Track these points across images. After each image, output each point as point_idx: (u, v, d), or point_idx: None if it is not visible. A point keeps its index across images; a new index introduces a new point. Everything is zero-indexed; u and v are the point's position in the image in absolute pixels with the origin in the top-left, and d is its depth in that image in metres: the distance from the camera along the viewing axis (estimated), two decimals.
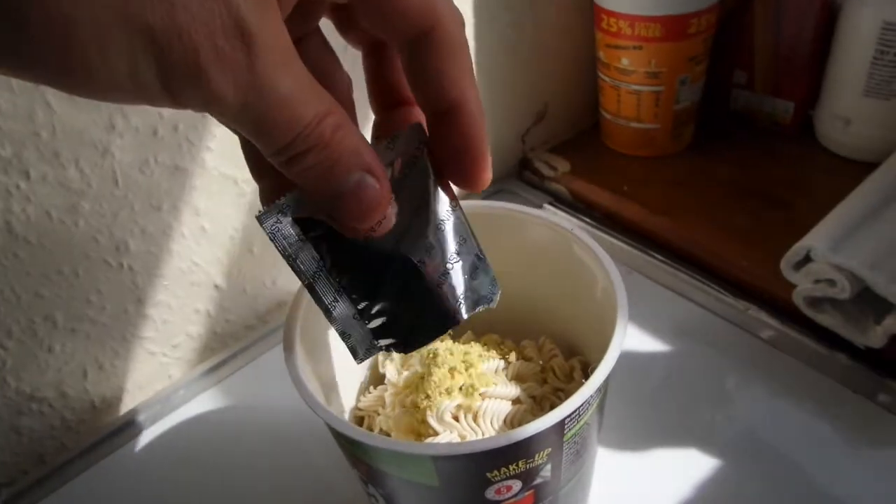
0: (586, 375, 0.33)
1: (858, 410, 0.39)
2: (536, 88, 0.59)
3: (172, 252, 0.43)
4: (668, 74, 0.53)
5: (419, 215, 0.22)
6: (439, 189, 0.22)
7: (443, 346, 0.30)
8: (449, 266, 0.23)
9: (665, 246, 0.51)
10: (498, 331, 0.35)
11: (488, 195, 0.57)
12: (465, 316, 0.23)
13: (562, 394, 0.32)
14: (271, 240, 0.21)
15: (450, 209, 0.23)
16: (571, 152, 0.59)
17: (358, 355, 0.23)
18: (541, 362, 0.33)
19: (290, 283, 0.50)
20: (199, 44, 0.15)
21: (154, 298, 0.43)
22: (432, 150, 0.22)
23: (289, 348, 0.27)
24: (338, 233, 0.21)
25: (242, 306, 0.48)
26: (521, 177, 0.60)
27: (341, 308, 0.22)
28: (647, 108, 0.55)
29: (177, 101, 0.16)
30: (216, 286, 0.46)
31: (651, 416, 0.40)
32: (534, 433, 0.23)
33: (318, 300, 0.22)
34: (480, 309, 0.23)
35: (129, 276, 0.41)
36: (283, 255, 0.21)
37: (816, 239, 0.40)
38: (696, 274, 0.48)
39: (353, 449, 0.26)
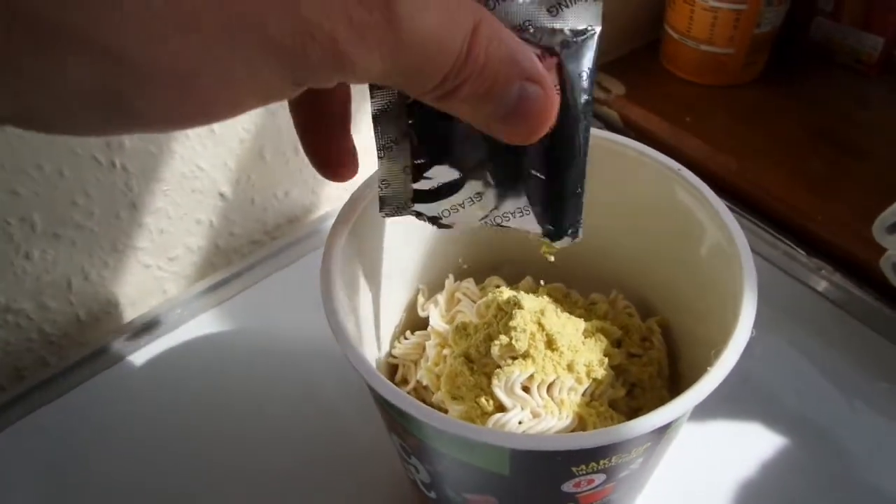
0: (666, 338, 0.28)
1: None
2: None
3: (174, 153, 0.36)
4: None
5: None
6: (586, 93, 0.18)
7: (513, 298, 0.24)
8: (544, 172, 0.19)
9: (729, 189, 0.45)
10: (560, 276, 0.30)
11: None
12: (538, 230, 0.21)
13: (637, 360, 0.27)
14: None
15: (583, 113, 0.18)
16: (626, 73, 0.53)
17: (384, 208, 0.21)
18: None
19: (303, 196, 0.44)
20: (334, 31, 0.13)
21: (151, 205, 0.37)
22: None
23: (328, 288, 0.22)
24: None
25: (249, 219, 0.43)
26: None
27: (396, 152, 0.20)
28: (722, 30, 0.48)
29: (306, 87, 0.14)
30: (221, 195, 0.40)
31: None
32: (643, 432, 0.18)
33: (378, 134, 0.19)
34: (544, 240, 0.21)
35: (123, 177, 0.35)
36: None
37: None
38: (761, 223, 0.43)
39: (403, 422, 0.21)
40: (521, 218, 0.20)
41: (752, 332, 0.20)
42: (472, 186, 0.20)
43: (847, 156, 0.46)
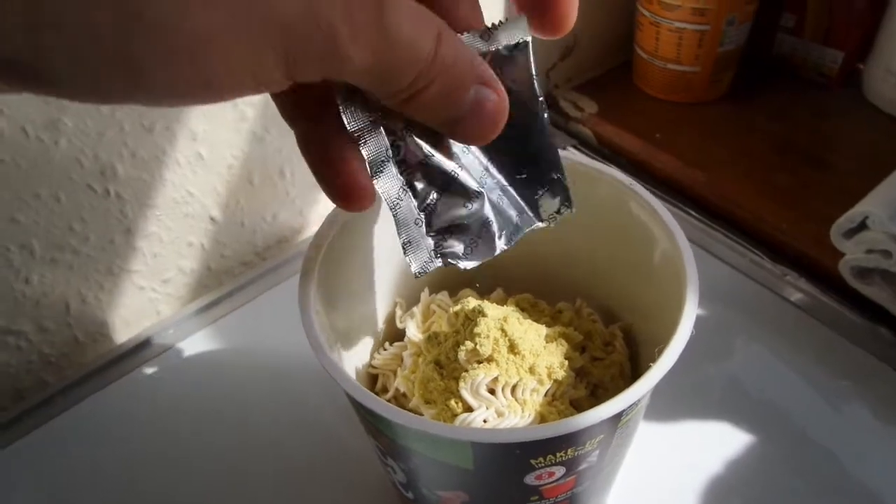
0: (628, 342, 0.30)
1: None
2: None
3: (165, 180, 0.38)
4: (715, 12, 0.48)
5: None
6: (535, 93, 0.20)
7: (478, 307, 0.26)
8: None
9: (697, 201, 0.47)
10: (531, 288, 0.31)
11: None
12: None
13: (599, 363, 0.29)
14: (342, 112, 0.18)
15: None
16: (599, 92, 0.55)
17: (413, 267, 0.20)
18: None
19: (291, 218, 0.46)
20: (336, 23, 0.14)
21: (144, 229, 0.39)
22: None
23: (304, 303, 0.24)
24: (414, 122, 0.18)
25: (239, 241, 0.45)
26: None
27: (405, 209, 0.20)
28: (688, 49, 0.50)
29: (292, 82, 0.15)
30: (212, 219, 0.42)
31: (671, 383, 0.37)
32: (591, 424, 0.20)
33: (384, 194, 0.20)
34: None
35: (117, 204, 0.37)
36: (350, 131, 0.18)
37: (875, 205, 0.37)
38: (729, 233, 0.45)
39: (375, 422, 0.22)
40: (522, 226, 0.22)
41: (692, 332, 0.22)
42: (477, 220, 0.21)
43: (810, 167, 0.48)
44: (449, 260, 0.21)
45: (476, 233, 0.21)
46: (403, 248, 0.20)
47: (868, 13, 0.50)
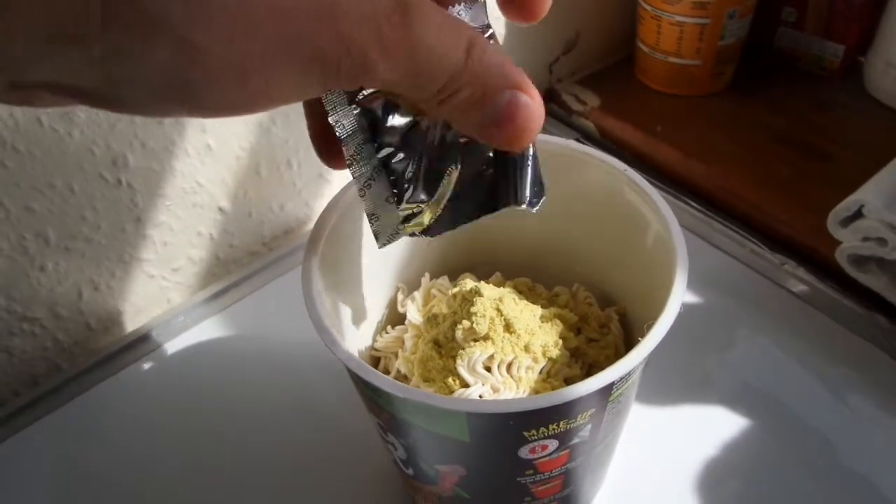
0: (624, 325, 0.31)
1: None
2: (568, 14, 0.54)
3: (175, 170, 0.39)
4: (716, 6, 0.48)
5: None
6: None
7: (475, 287, 0.27)
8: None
9: (699, 192, 0.48)
10: (529, 274, 0.32)
11: None
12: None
13: (595, 344, 0.29)
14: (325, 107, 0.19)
15: None
16: (602, 86, 0.56)
17: (379, 239, 0.22)
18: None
19: (297, 209, 0.47)
20: (365, 45, 0.15)
21: (154, 219, 0.40)
22: None
23: (307, 282, 0.25)
24: (392, 104, 0.19)
25: (247, 231, 0.46)
26: (545, 109, 0.56)
27: (377, 187, 0.21)
28: (689, 43, 0.51)
29: (330, 88, 0.16)
30: (220, 209, 0.43)
31: (672, 370, 0.38)
32: (581, 395, 0.21)
33: (355, 176, 0.21)
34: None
35: (128, 193, 0.38)
36: (327, 109, 0.19)
37: (870, 194, 0.37)
38: (730, 223, 0.46)
39: (375, 397, 0.23)
40: (486, 209, 0.22)
41: (681, 309, 0.23)
42: (443, 198, 0.22)
43: (810, 158, 0.48)
44: (414, 231, 0.22)
45: (438, 213, 0.22)
46: (369, 221, 0.22)
47: (868, 7, 0.51)
